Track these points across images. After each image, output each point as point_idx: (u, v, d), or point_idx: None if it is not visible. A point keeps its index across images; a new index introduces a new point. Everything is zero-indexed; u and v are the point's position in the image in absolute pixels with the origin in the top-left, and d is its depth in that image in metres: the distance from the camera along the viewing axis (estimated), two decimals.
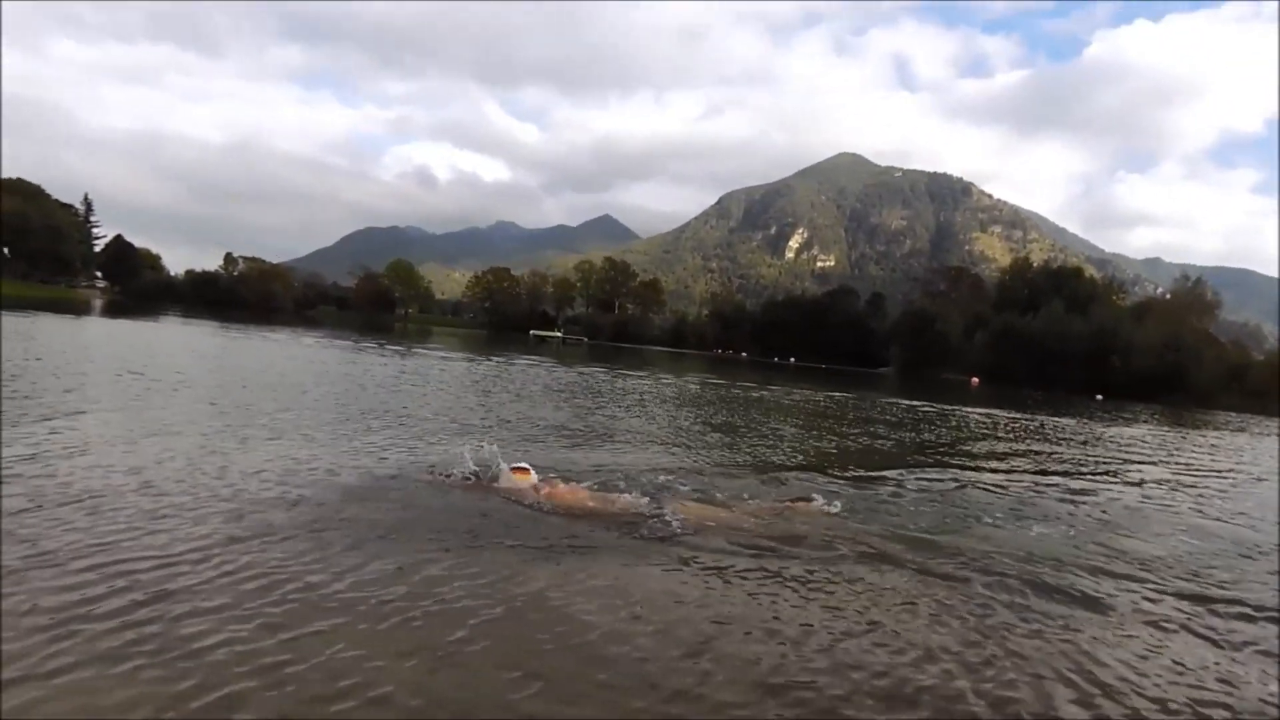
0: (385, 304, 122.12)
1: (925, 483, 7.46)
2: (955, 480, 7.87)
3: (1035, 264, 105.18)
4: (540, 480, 5.23)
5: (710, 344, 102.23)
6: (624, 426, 10.08)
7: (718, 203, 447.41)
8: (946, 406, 22.48)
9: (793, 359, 77.63)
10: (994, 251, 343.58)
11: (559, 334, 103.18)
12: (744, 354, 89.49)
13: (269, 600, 3.09)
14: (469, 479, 5.32)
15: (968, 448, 11.88)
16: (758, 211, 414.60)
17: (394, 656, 2.71)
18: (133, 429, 6.48)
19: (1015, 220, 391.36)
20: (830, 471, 7.62)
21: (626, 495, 5.29)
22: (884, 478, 7.52)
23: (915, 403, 22.71)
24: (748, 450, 8.91)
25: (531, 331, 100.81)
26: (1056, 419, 21.58)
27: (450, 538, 4.15)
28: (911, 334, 73.04)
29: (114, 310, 46.42)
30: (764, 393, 21.60)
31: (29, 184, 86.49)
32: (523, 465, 5.28)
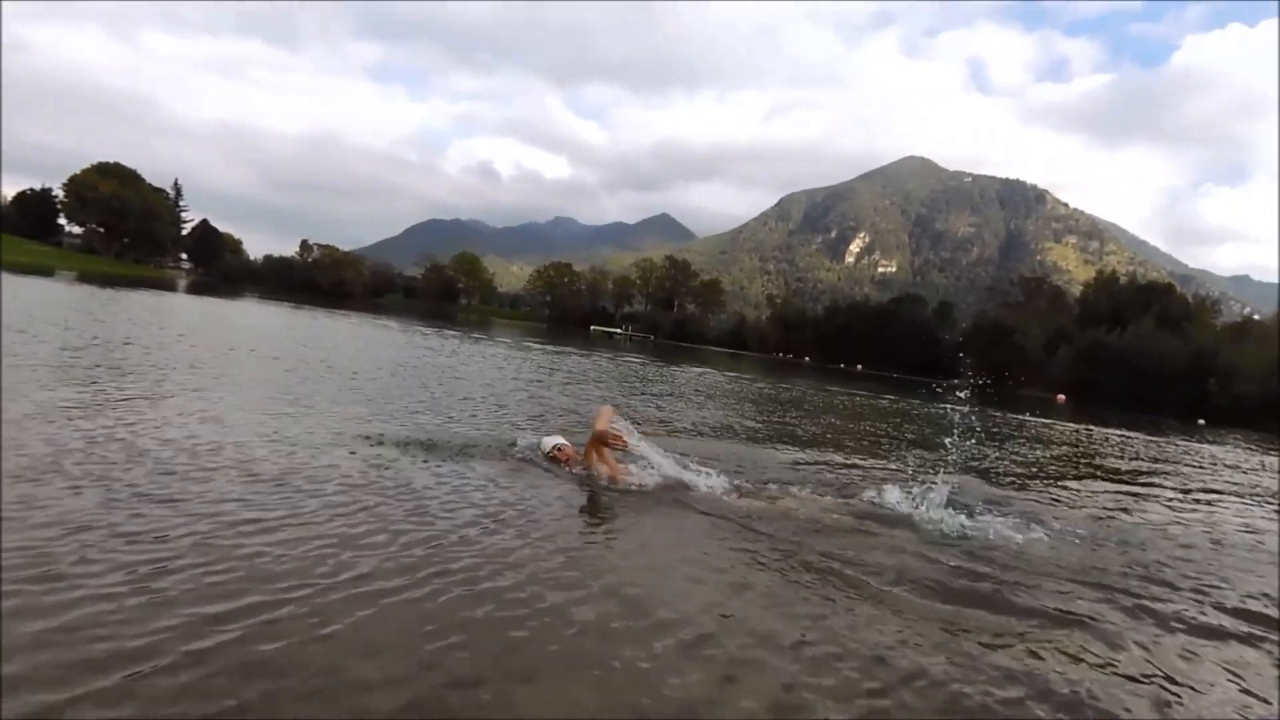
0: (449, 294, 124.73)
1: (1113, 515, 6.66)
2: (1147, 517, 7.02)
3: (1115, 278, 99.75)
4: (576, 451, 5.32)
5: (771, 347, 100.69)
6: (806, 433, 9.54)
7: (777, 204, 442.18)
8: (1068, 424, 21.11)
9: (859, 366, 75.58)
10: (1068, 263, 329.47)
11: (620, 330, 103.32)
12: (806, 358, 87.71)
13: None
14: (525, 454, 5.47)
15: (1128, 470, 10.87)
16: (818, 214, 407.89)
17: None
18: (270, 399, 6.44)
19: (1092, 231, 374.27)
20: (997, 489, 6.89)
21: (682, 474, 5.22)
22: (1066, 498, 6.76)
23: (1026, 417, 21.41)
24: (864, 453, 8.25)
25: (592, 327, 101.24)
26: (1197, 444, 19.96)
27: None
28: (987, 345, 70.05)
29: (198, 289, 48.42)
30: (881, 401, 20.72)
31: (126, 168, 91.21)
32: (559, 441, 5.41)
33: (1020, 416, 21.94)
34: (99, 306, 17.16)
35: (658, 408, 10.74)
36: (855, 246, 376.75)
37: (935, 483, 5.37)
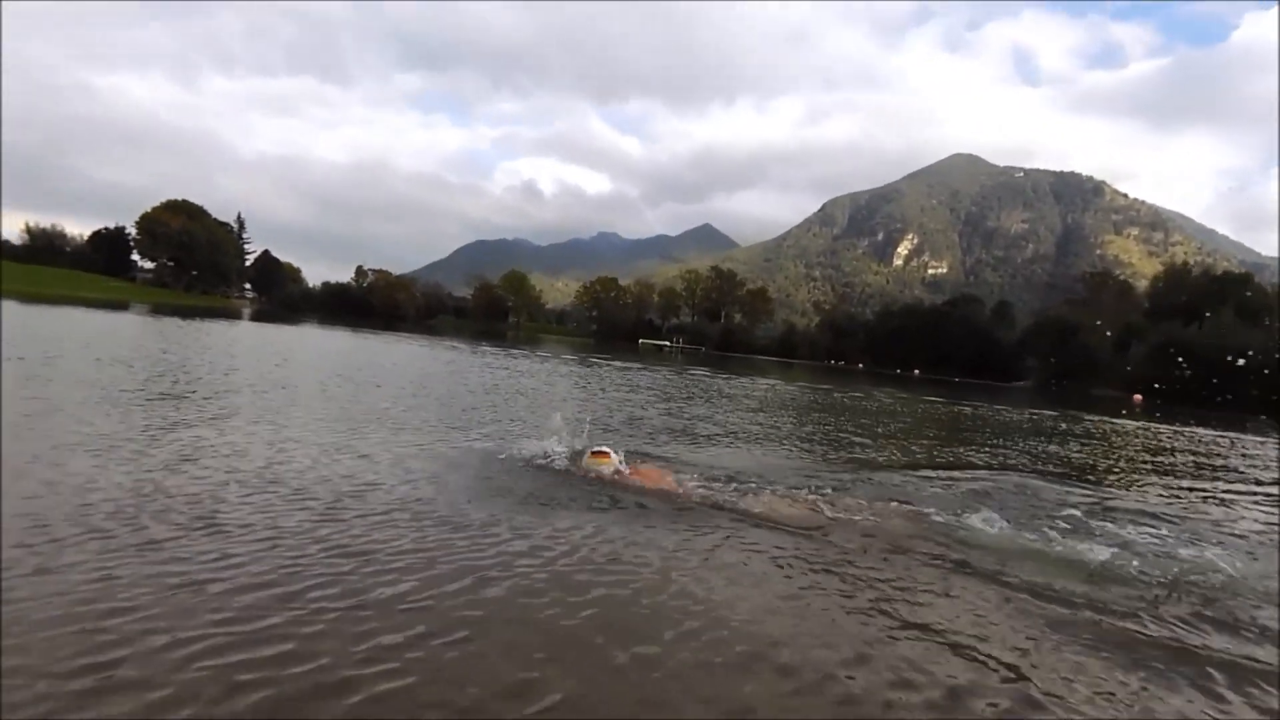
0: (499, 312, 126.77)
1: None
2: None
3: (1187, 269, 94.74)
4: (623, 464, 5.43)
5: (822, 354, 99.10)
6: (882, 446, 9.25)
7: (821, 209, 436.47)
8: (1174, 426, 20.03)
9: (916, 370, 73.66)
10: (1130, 256, 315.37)
11: (669, 343, 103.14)
12: (859, 365, 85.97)
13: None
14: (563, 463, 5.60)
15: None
16: (863, 217, 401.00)
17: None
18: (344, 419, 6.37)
19: (1155, 221, 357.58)
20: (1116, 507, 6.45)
21: (708, 484, 5.38)
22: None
23: (1120, 421, 20.38)
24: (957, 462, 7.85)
25: (640, 340, 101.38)
26: None
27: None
28: (1051, 345, 67.36)
29: (262, 317, 50.35)
30: (955, 408, 20.06)
31: (193, 204, 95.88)
32: (604, 449, 5.51)
33: (1119, 421, 20.87)
34: (190, 338, 17.95)
35: (760, 424, 10.53)
36: (903, 248, 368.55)
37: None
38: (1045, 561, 4.21)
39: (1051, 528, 4.93)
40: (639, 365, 28.77)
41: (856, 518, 4.87)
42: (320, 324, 46.49)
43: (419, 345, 27.92)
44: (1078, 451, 11.43)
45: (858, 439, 10.08)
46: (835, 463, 7.63)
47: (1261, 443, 18.03)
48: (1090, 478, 8.40)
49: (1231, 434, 20.21)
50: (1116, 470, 9.58)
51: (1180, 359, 55.26)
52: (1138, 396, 46.16)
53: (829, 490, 5.66)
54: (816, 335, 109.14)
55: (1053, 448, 11.44)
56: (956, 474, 7.38)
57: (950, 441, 11.31)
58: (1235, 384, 50.99)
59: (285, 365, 13.59)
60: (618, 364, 27.58)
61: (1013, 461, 9.06)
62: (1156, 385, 52.70)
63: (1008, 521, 5.00)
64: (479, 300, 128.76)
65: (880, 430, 11.89)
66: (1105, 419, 21.30)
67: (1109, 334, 66.45)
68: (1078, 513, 5.52)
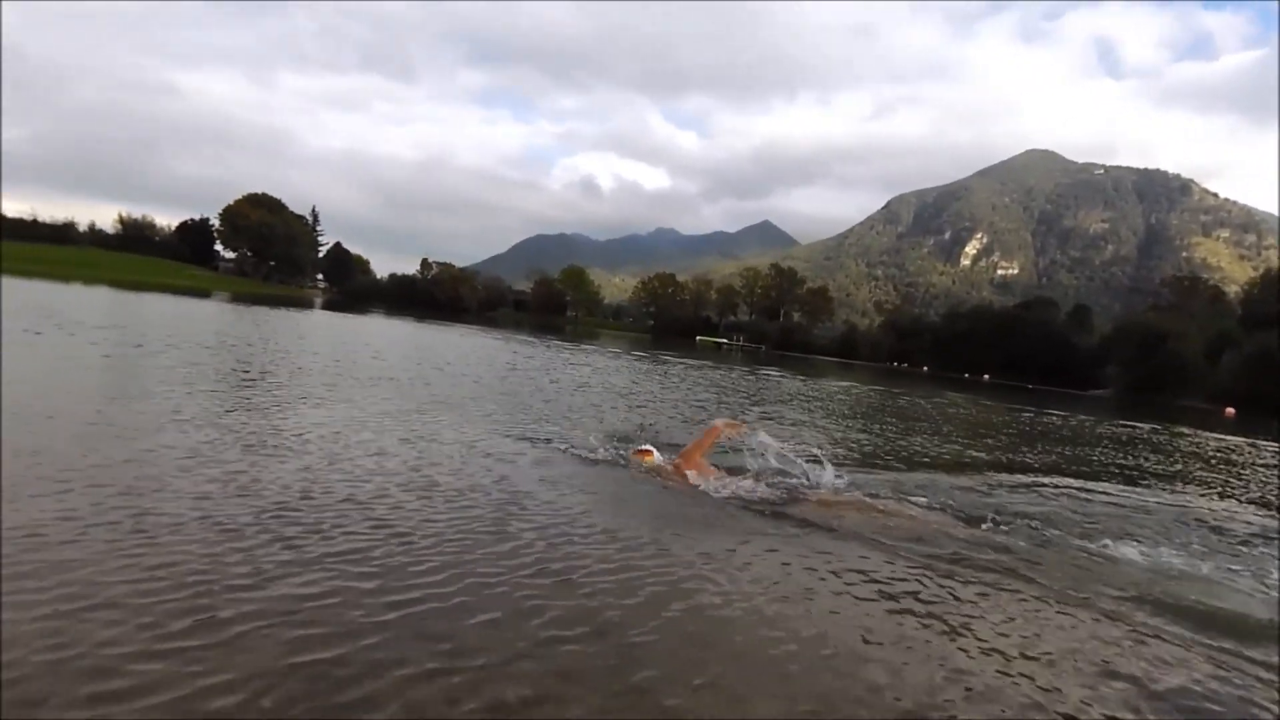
0: (558, 307, 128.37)
1: None
2: None
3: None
4: (664, 460, 5.60)
5: (884, 355, 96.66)
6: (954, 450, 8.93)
7: (885, 206, 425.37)
8: None
9: (986, 375, 71.03)
10: (1219, 259, 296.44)
11: (728, 340, 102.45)
12: (924, 368, 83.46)
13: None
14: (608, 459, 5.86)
15: None
16: (930, 215, 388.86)
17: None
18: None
19: (1248, 223, 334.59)
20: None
21: (749, 480, 5.38)
22: None
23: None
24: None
25: (698, 337, 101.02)
26: None
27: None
28: (1135, 352, 63.82)
29: (332, 307, 52.27)
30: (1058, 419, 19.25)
31: (272, 198, 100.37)
32: (646, 448, 5.83)
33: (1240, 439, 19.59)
34: (285, 326, 18.78)
35: (853, 428, 10.31)
36: (971, 248, 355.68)
37: None
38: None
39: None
40: (709, 364, 28.65)
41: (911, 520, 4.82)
42: (387, 314, 48.00)
43: (491, 339, 28.43)
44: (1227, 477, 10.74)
45: (973, 452, 9.72)
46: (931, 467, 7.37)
47: None
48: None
49: None
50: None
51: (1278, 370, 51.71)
52: (1230, 410, 43.36)
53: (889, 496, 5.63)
54: (879, 336, 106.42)
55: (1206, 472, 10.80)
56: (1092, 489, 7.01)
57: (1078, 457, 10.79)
58: None
59: (384, 358, 14.03)
60: (691, 362, 27.50)
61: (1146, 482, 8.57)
62: (1250, 398, 49.46)
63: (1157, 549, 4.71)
64: (538, 294, 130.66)
65: (987, 440, 11.45)
66: (1218, 435, 20.02)
67: (1199, 343, 62.58)
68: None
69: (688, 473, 5.28)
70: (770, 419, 10.68)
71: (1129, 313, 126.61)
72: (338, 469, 4.61)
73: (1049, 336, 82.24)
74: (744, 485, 5.22)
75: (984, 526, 4.87)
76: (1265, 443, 19.36)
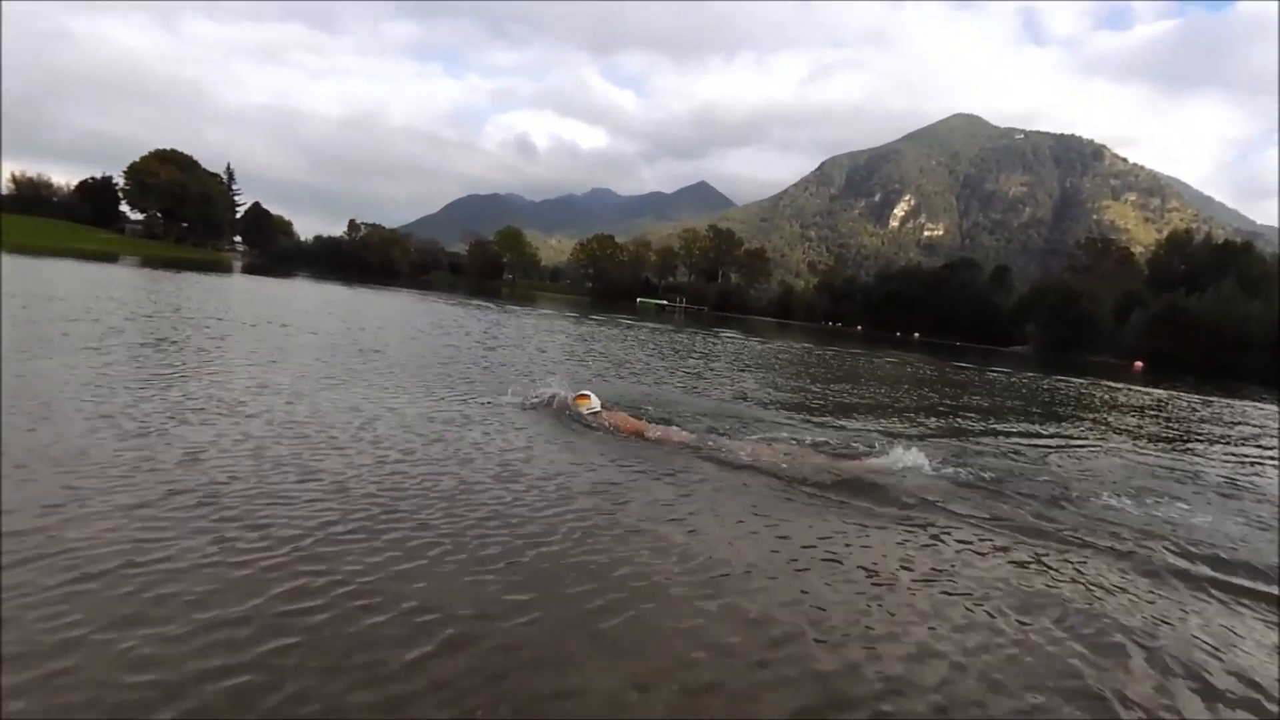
0: (494, 270, 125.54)
1: None
2: None
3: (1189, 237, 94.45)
4: (601, 408, 5.91)
5: (819, 316, 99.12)
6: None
7: (819, 169, 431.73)
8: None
9: (916, 334, 73.76)
10: (1127, 221, 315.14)
11: (670, 302, 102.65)
12: (857, 327, 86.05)
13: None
14: (541, 402, 6.29)
15: None
16: (862, 178, 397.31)
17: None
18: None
19: (1153, 187, 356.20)
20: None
21: (682, 430, 5.77)
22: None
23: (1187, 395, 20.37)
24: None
25: (639, 299, 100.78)
26: None
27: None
28: (1052, 312, 67.40)
29: (254, 270, 49.46)
30: (991, 375, 19.99)
31: (184, 155, 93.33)
32: (584, 393, 6.07)
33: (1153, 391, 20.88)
34: (214, 292, 17.51)
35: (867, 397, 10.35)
36: (900, 210, 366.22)
37: None
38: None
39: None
40: (668, 327, 28.70)
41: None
42: (314, 278, 45.73)
43: (441, 303, 27.44)
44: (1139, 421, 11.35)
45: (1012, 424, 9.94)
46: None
47: None
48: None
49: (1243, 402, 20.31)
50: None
51: (1182, 327, 55.66)
52: (1139, 364, 46.49)
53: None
54: (814, 298, 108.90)
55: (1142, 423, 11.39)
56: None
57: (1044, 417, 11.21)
58: (1234, 353, 51.52)
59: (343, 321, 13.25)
60: (648, 326, 27.34)
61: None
62: (1157, 355, 53.15)
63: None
64: (474, 257, 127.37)
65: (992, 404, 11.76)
66: (1135, 388, 21.32)
67: (1109, 303, 66.54)
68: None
69: (615, 423, 5.66)
70: (833, 405, 10.64)
71: (1045, 273, 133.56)
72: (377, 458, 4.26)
73: (973, 297, 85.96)
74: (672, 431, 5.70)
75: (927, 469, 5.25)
76: (1188, 395, 20.79)
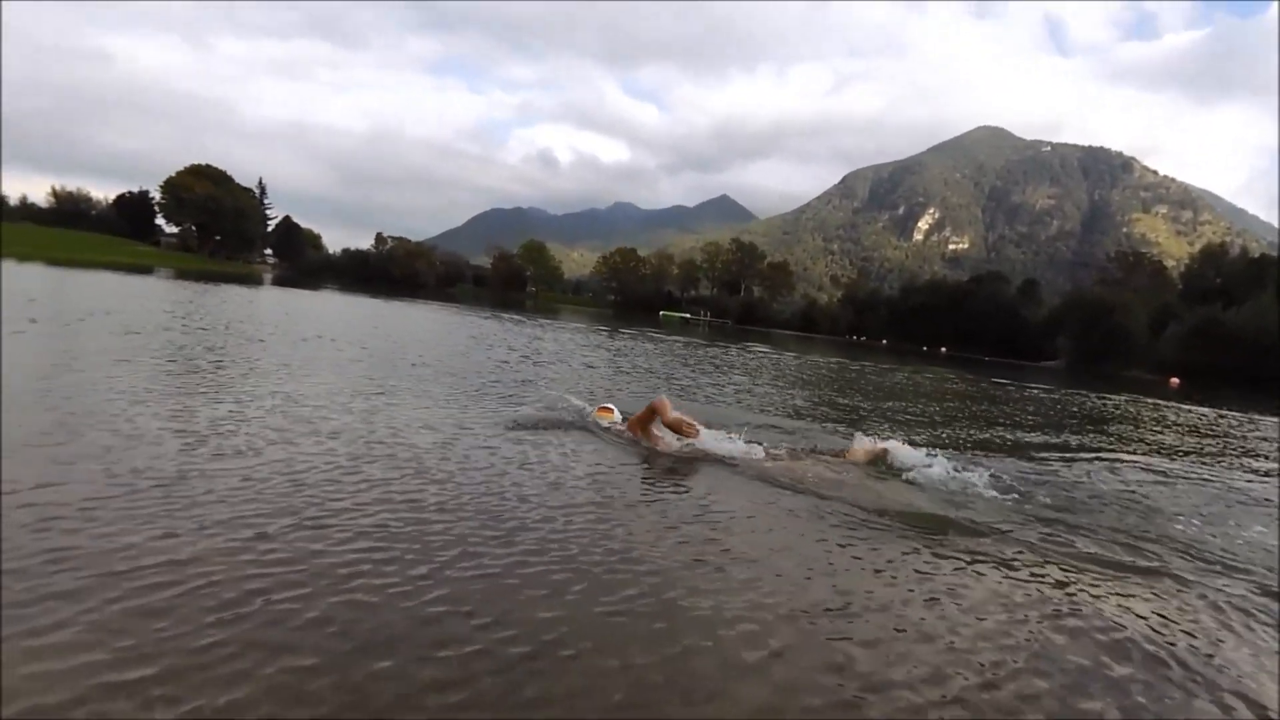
0: (518, 282, 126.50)
1: None
2: None
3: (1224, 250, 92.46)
4: (622, 420, 5.95)
5: (843, 329, 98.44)
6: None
7: (841, 181, 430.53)
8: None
9: (943, 348, 72.85)
10: (1157, 234, 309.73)
11: (693, 315, 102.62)
12: (882, 341, 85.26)
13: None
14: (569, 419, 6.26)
15: None
16: (885, 190, 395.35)
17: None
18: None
19: (1184, 199, 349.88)
20: None
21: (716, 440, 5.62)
22: None
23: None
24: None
25: (662, 312, 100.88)
26: None
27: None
28: (1083, 325, 66.19)
29: (284, 283, 50.30)
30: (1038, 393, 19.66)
31: (217, 170, 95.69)
32: (607, 405, 6.19)
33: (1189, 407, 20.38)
34: (274, 306, 17.82)
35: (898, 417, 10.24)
36: (924, 223, 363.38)
37: None
38: None
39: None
40: (698, 340, 28.67)
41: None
42: (342, 290, 46.38)
43: (472, 316, 27.66)
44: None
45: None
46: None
47: None
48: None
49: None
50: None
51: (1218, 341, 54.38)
52: (1175, 380, 45.41)
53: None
54: (838, 310, 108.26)
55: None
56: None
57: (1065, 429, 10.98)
58: (1273, 367, 50.16)
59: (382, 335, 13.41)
60: (679, 339, 27.30)
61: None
62: (1193, 369, 51.90)
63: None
64: (497, 270, 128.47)
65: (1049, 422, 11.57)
66: (1183, 406, 20.82)
67: (1143, 316, 65.28)
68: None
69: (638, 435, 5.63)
70: (877, 418, 10.54)
71: (1075, 286, 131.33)
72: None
73: (1000, 310, 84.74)
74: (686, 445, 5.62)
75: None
76: (1232, 413, 20.24)
